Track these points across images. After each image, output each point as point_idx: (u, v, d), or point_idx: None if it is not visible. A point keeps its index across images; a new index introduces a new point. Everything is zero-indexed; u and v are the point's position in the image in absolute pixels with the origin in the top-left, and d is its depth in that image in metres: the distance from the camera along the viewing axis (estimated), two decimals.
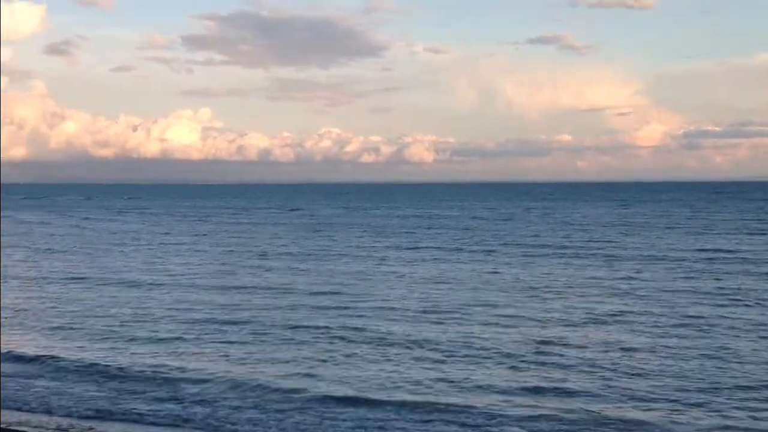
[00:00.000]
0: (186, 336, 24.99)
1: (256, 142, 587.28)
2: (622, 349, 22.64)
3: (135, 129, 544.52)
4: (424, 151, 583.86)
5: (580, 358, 21.53)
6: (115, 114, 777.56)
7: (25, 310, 30.16)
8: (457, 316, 28.05)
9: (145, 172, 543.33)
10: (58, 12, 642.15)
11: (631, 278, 37.73)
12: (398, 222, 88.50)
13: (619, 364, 20.95)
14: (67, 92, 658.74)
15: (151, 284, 36.94)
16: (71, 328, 26.54)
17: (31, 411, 17.92)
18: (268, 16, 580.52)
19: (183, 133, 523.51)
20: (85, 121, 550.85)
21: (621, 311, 28.62)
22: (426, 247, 55.49)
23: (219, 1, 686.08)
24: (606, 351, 22.44)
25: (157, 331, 25.80)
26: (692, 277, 37.76)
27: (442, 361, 21.48)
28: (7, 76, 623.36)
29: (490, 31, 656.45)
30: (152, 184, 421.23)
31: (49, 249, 56.43)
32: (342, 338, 24.25)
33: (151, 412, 17.56)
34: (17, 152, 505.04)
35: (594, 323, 26.57)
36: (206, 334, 25.31)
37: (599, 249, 52.32)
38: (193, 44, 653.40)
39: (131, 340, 24.67)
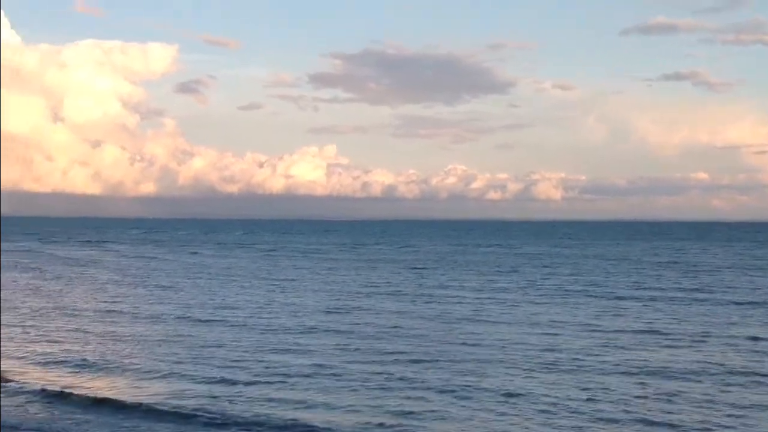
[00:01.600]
0: (296, 381, 24.03)
1: (380, 178, 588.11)
2: (752, 407, 20.59)
3: (261, 165, 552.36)
4: (551, 189, 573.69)
5: (706, 416, 19.74)
6: (241, 151, 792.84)
7: (125, 351, 29.73)
8: (574, 365, 26.23)
9: (269, 208, 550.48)
10: (190, 52, 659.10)
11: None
12: (514, 260, 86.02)
13: (746, 425, 19.09)
14: (196, 130, 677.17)
15: (256, 325, 35.75)
16: (175, 371, 25.72)
17: None
18: (394, 54, 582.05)
19: (308, 170, 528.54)
20: (213, 158, 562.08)
21: (754, 362, 26.42)
22: (546, 287, 53.21)
23: (345, 40, 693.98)
24: (734, 409, 20.48)
25: (262, 375, 24.90)
26: None
27: (554, 413, 20.09)
28: (139, 114, 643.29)
29: (620, 67, 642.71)
30: (276, 220, 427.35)
31: (151, 284, 56.44)
32: (453, 390, 22.78)
33: None
34: (147, 188, 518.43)
35: (725, 375, 24.35)
36: (318, 377, 24.44)
37: (731, 293, 49.24)
38: (319, 82, 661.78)
39: (238, 384, 23.75)
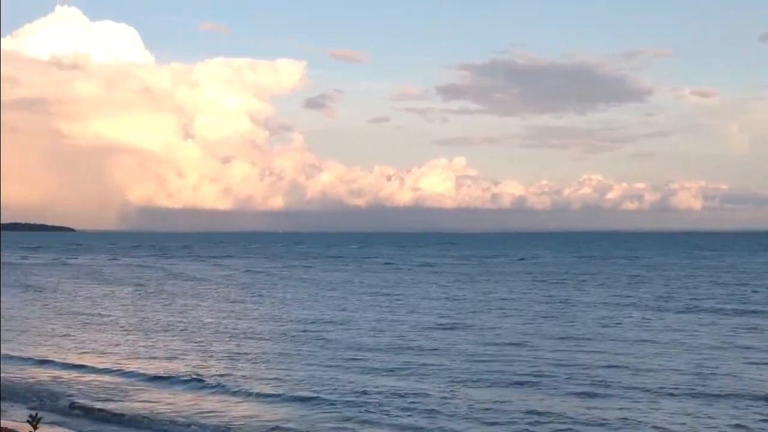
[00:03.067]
0: (417, 405, 22.58)
1: (511, 190, 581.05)
2: None
3: (389, 179, 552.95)
4: (691, 199, 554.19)
5: None
6: (369, 164, 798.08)
7: (241, 371, 28.63)
8: (713, 388, 23.93)
9: (396, 221, 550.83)
10: (317, 67, 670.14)
11: None
12: (645, 273, 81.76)
13: None
14: (324, 144, 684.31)
15: (369, 345, 33.91)
16: (296, 393, 24.56)
17: None
18: (524, 64, 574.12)
19: (437, 182, 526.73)
20: (341, 172, 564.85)
21: None
22: (677, 300, 49.64)
23: (473, 51, 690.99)
24: None
25: (381, 397, 23.68)
26: None
27: None
28: (268, 129, 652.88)
29: (760, 73, 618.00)
30: (403, 233, 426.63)
31: (261, 300, 55.59)
32: (578, 417, 21.04)
33: None
34: (276, 202, 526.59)
35: None
36: (438, 402, 22.91)
37: None
38: (447, 94, 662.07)
39: (360, 407, 22.55)
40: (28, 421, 10.59)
